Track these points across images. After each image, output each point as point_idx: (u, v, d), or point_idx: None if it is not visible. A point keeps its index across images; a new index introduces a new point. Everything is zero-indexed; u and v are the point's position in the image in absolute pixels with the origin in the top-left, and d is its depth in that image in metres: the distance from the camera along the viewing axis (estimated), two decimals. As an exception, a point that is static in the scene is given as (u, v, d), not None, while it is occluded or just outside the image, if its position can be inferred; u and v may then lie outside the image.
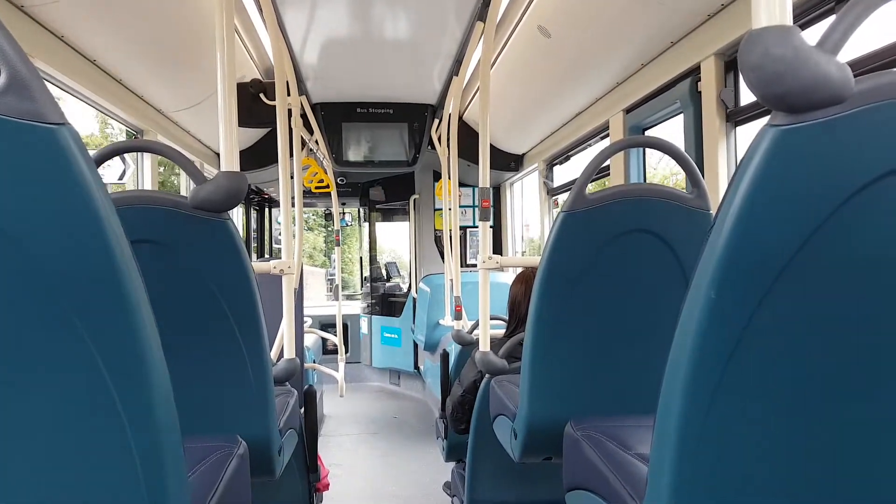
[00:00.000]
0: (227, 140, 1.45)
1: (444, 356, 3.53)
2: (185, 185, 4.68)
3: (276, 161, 2.39)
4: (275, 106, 2.43)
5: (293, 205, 2.86)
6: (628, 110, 3.01)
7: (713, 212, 1.54)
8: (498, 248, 5.88)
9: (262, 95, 3.42)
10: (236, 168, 1.44)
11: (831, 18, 1.76)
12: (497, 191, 5.86)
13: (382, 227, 7.52)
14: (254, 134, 4.50)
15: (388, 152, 4.80)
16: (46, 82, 2.03)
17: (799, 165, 0.72)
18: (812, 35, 0.70)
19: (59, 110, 0.65)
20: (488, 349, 2.22)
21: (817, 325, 0.77)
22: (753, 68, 0.70)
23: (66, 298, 0.68)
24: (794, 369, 0.79)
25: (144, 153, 3.19)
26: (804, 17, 1.90)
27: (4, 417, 0.72)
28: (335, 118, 4.64)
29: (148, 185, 3.23)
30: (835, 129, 0.70)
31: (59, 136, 0.64)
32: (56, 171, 0.65)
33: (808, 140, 0.70)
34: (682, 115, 2.54)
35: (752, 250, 0.74)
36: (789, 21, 0.71)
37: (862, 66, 1.69)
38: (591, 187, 1.58)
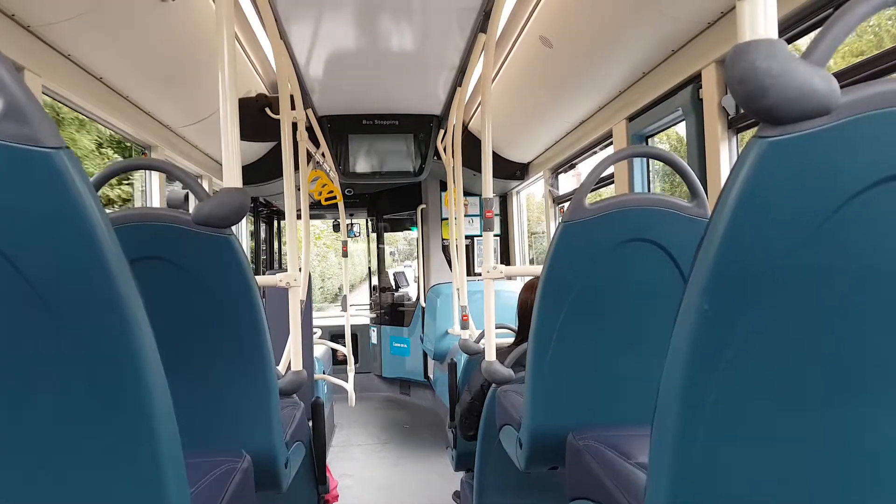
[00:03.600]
0: (229, 155, 1.47)
1: (452, 366, 3.53)
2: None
3: (282, 174, 2.41)
4: (279, 120, 2.45)
5: (299, 217, 2.88)
6: (631, 118, 3.02)
7: None
8: (505, 256, 5.88)
9: (267, 109, 3.45)
10: (238, 183, 1.46)
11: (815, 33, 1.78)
12: (503, 200, 5.87)
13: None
14: (261, 148, 4.54)
15: (395, 163, 4.82)
16: (54, 100, 2.03)
17: (787, 176, 0.72)
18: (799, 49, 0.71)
19: (56, 134, 0.66)
20: (494, 358, 2.22)
21: (809, 332, 0.78)
22: (740, 81, 0.71)
23: (64, 319, 0.69)
24: (788, 376, 0.79)
25: (152, 171, 3.23)
26: (790, 30, 1.90)
27: (4, 433, 0.73)
28: (341, 130, 4.66)
29: (157, 202, 3.26)
30: (821, 140, 0.71)
31: (56, 159, 0.66)
32: (53, 194, 0.67)
33: (795, 151, 0.71)
34: (683, 123, 2.55)
35: (742, 260, 0.75)
36: (774, 34, 0.72)
37: (848, 77, 1.69)
38: (598, 196, 1.59)
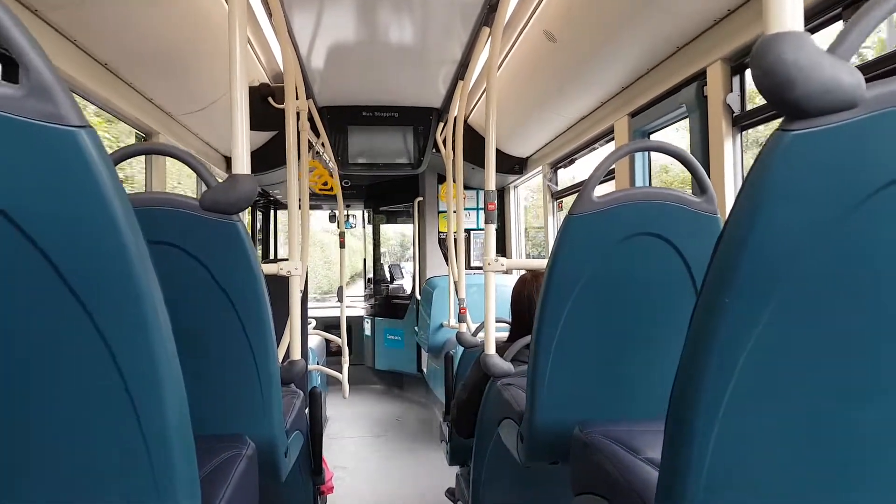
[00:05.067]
0: (239, 143, 1.46)
1: (448, 359, 3.53)
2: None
3: (283, 163, 2.40)
4: (282, 109, 2.44)
5: (300, 207, 2.86)
6: (633, 114, 3.01)
7: (720, 215, 1.54)
8: (502, 250, 5.89)
9: (270, 99, 3.43)
10: (247, 170, 1.45)
11: (838, 24, 1.78)
12: (501, 194, 5.87)
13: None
14: (260, 137, 4.52)
15: (393, 155, 4.81)
16: None
17: (811, 170, 0.72)
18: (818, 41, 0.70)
19: (79, 113, 0.66)
20: (493, 352, 2.22)
21: (831, 329, 0.78)
22: (766, 73, 0.70)
23: (83, 297, 0.69)
24: (808, 373, 0.79)
25: (152, 156, 3.21)
26: (811, 22, 1.90)
27: (18, 412, 0.73)
28: (341, 121, 4.65)
29: (157, 187, 3.24)
30: (846, 134, 0.70)
31: (79, 138, 0.66)
32: (75, 172, 0.66)
33: (819, 145, 0.71)
34: (687, 120, 2.55)
35: (765, 255, 0.74)
36: (800, 27, 0.72)
37: (873, 70, 1.69)
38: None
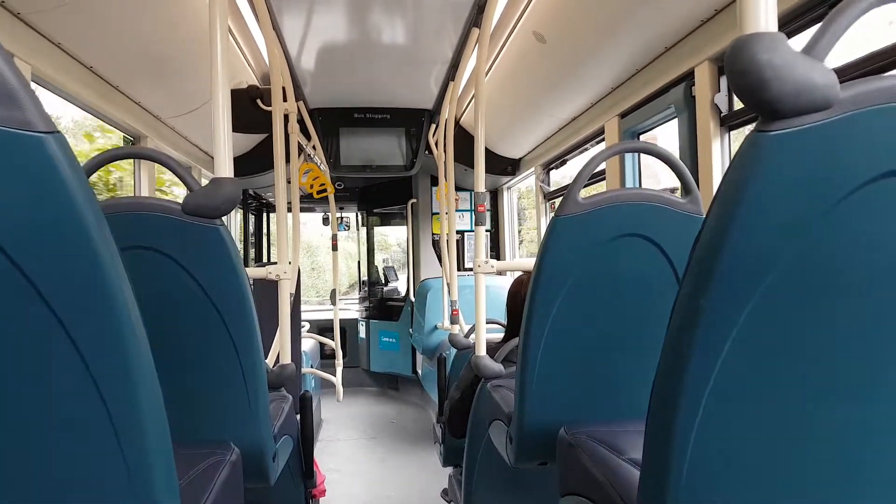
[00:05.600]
0: (221, 145, 1.46)
1: (441, 360, 3.53)
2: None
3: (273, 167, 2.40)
4: (271, 111, 2.44)
5: (290, 210, 2.86)
6: (623, 115, 3.02)
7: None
8: (496, 251, 5.89)
9: (258, 101, 3.42)
10: (230, 174, 1.44)
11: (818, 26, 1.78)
12: (494, 195, 5.87)
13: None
14: (252, 139, 4.51)
15: (386, 157, 4.80)
16: (44, 89, 2.01)
17: (785, 171, 0.72)
18: (799, 43, 0.71)
19: (47, 118, 0.65)
20: (484, 353, 2.22)
21: (807, 329, 0.78)
22: (740, 74, 0.70)
23: (53, 306, 0.68)
24: (784, 373, 0.79)
25: (141, 160, 3.20)
26: (792, 24, 1.91)
27: None
28: (333, 123, 4.65)
29: (146, 191, 3.23)
30: (821, 134, 0.70)
31: (47, 144, 0.64)
32: (43, 179, 0.65)
33: (794, 145, 0.71)
34: (676, 120, 2.55)
35: (739, 256, 0.74)
36: (774, 28, 0.72)
37: (849, 73, 1.70)
38: (587, 192, 1.58)
